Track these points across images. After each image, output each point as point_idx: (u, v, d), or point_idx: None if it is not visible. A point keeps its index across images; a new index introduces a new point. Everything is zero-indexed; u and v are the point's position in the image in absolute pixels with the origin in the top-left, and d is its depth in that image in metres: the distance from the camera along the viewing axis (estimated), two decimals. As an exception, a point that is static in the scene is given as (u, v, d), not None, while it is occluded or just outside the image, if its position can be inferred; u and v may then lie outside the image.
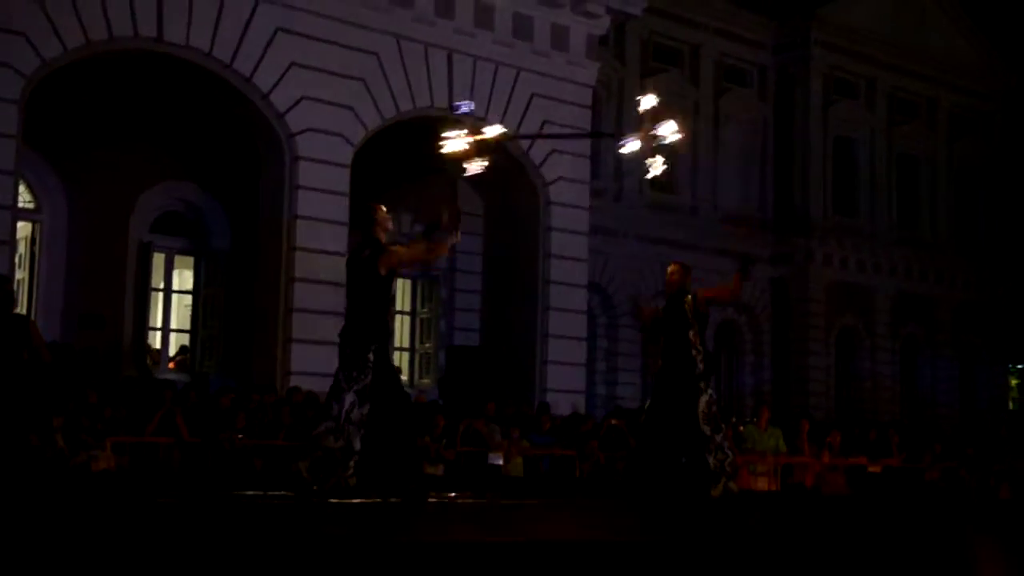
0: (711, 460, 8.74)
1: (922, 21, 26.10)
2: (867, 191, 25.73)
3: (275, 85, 15.17)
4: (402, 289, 18.54)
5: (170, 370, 16.53)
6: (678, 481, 9.00)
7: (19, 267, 15.27)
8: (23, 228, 15.34)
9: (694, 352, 8.90)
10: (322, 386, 14.59)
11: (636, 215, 22.24)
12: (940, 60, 26.44)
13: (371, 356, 7.27)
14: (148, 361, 16.36)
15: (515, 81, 17.18)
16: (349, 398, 7.16)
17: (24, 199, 15.34)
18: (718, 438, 8.84)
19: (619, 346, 22.24)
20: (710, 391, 8.94)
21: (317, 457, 7.14)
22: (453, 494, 7.49)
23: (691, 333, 8.93)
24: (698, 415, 8.78)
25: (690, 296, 9.06)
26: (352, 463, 7.12)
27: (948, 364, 26.61)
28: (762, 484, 14.16)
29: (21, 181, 14.56)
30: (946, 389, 26.62)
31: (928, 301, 26.37)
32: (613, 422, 15.47)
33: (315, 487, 7.04)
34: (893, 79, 26.05)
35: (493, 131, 7.83)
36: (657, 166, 7.81)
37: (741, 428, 15.24)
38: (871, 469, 15.51)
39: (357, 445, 7.13)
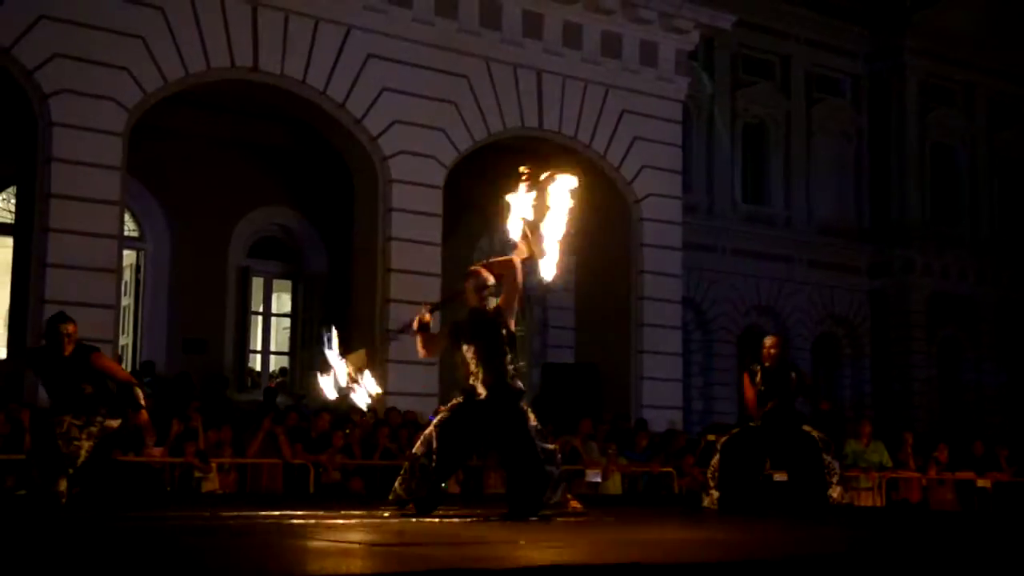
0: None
1: (1021, 23, 25.44)
2: (967, 198, 25.16)
3: (368, 110, 15.41)
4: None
5: (270, 392, 16.83)
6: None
7: (125, 294, 15.71)
8: (128, 256, 15.79)
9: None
10: (419, 406, 14.81)
11: (729, 229, 22.06)
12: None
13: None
14: (249, 383, 16.68)
15: (604, 98, 17.20)
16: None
17: (129, 228, 15.80)
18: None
19: (714, 361, 22.05)
20: None
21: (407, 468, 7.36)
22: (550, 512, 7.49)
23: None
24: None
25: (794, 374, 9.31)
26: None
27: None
28: (866, 500, 13.88)
29: (126, 210, 15.00)
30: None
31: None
32: (709, 437, 15.31)
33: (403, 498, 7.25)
34: (992, 83, 25.45)
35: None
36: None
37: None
38: (980, 483, 15.09)
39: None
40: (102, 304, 13.48)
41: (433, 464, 7.27)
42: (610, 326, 17.76)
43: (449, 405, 7.54)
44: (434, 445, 7.28)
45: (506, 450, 7.37)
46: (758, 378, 9.29)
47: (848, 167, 24.14)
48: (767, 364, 9.31)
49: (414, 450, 7.46)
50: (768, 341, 9.52)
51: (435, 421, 7.50)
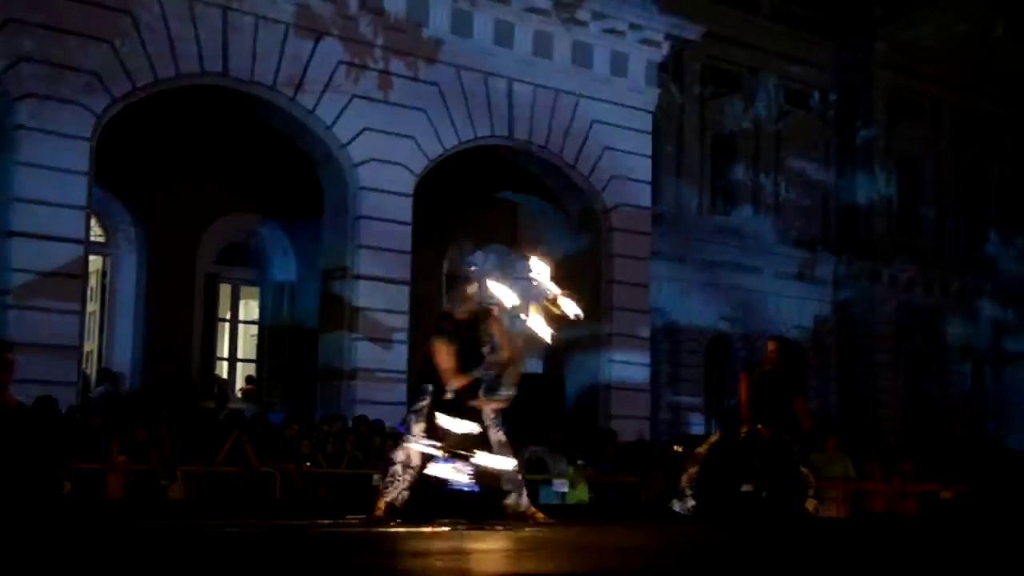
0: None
1: (988, 37, 25.75)
2: (933, 212, 25.40)
3: (337, 117, 15.37)
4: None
5: (237, 400, 16.74)
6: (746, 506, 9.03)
7: (91, 300, 15.58)
8: (95, 262, 15.67)
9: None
10: (386, 415, 14.77)
11: (698, 240, 22.15)
12: (1007, 77, 26.05)
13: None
14: (216, 390, 16.56)
15: (575, 109, 17.25)
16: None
17: (95, 233, 15.68)
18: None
19: (682, 372, 22.11)
20: None
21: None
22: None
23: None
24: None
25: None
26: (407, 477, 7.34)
27: (1020, 387, 26.07)
28: (831, 511, 13.95)
29: (92, 216, 14.88)
30: (1018, 414, 26.07)
31: (998, 323, 25.90)
32: (676, 448, 15.35)
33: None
34: (958, 98, 25.71)
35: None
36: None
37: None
38: (943, 495, 15.21)
39: (415, 461, 7.32)
40: (68, 310, 13.37)
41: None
42: (579, 336, 17.76)
43: None
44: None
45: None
46: (755, 378, 9.27)
47: (816, 180, 24.30)
48: (766, 368, 9.30)
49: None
50: (770, 344, 9.48)
51: None
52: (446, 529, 7.14)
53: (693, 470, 9.18)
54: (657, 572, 4.41)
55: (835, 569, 4.89)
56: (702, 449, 9.36)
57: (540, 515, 7.65)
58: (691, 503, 9.03)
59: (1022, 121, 26.82)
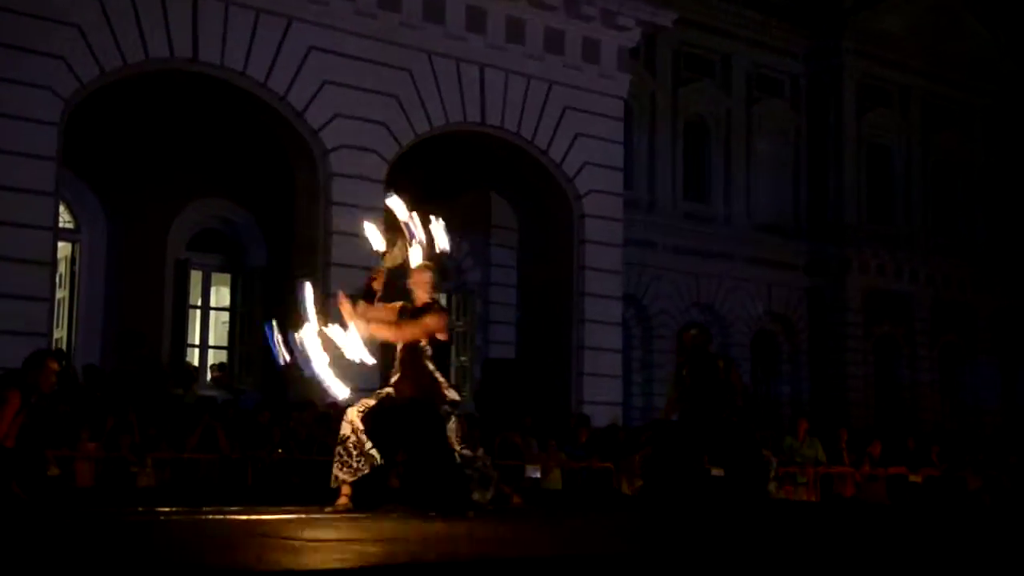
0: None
1: (956, 26, 25.91)
2: (903, 198, 25.57)
3: (309, 103, 15.29)
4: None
5: (208, 387, 16.67)
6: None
7: (60, 287, 15.46)
8: (63, 248, 15.53)
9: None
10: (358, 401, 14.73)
11: (670, 225, 22.21)
12: (975, 65, 26.24)
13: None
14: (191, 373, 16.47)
15: (547, 94, 17.23)
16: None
17: (64, 219, 15.55)
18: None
19: (655, 357, 22.19)
20: None
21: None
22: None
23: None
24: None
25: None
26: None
27: (989, 371, 26.34)
28: (802, 495, 14.06)
29: (61, 202, 14.75)
30: (987, 397, 26.35)
31: (967, 307, 26.14)
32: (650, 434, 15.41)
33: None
34: (927, 85, 25.87)
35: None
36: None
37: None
38: (912, 479, 15.36)
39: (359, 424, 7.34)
40: (36, 297, 13.26)
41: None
42: (551, 322, 17.80)
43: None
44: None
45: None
46: (684, 372, 9.23)
47: (787, 166, 24.41)
48: (692, 356, 9.28)
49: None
50: (690, 332, 9.44)
51: None
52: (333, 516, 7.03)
53: (646, 450, 9.22)
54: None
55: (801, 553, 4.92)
56: (656, 430, 9.39)
57: (518, 498, 7.65)
58: (638, 483, 9.07)
59: (990, 108, 27.04)
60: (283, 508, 7.47)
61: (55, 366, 8.11)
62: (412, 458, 7.47)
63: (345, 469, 7.30)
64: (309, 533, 5.61)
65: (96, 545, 4.78)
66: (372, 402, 7.46)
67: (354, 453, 7.28)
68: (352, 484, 7.27)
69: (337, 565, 4.28)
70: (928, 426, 23.39)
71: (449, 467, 7.13)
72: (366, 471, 7.22)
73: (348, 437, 7.34)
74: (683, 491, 8.95)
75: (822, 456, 14.75)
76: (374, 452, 7.24)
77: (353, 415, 7.38)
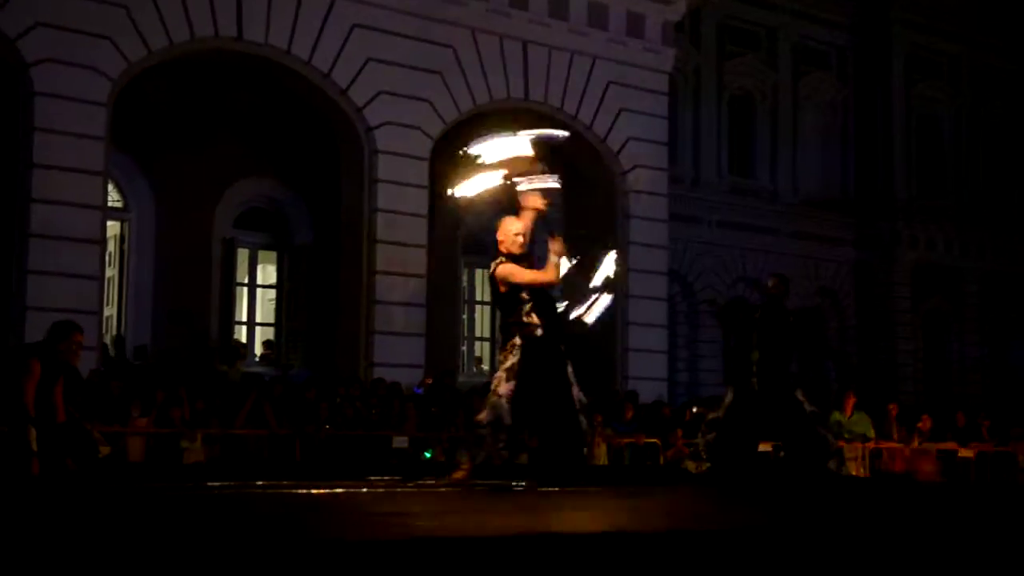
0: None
1: (1007, -5, 25.44)
2: (953, 170, 25.21)
3: (353, 80, 15.33)
4: (482, 278, 18.63)
5: (256, 363, 16.83)
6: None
7: (109, 265, 15.64)
8: (112, 227, 15.71)
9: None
10: (404, 377, 14.82)
11: (715, 201, 22.07)
12: (1026, 34, 25.78)
13: (517, 340, 7.69)
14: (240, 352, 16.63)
15: (591, 70, 17.13)
16: (498, 374, 7.51)
17: (113, 199, 15.71)
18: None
19: (700, 332, 22.11)
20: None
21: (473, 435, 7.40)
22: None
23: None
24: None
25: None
26: (503, 437, 7.25)
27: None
28: (850, 470, 13.95)
29: (110, 181, 14.91)
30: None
31: (1018, 281, 25.77)
32: (694, 410, 15.37)
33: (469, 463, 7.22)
34: (977, 56, 25.45)
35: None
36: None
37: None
38: (962, 454, 15.19)
39: (507, 420, 7.24)
40: (86, 275, 13.43)
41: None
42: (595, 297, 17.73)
43: None
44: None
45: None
46: (756, 316, 9.18)
47: (834, 139, 24.15)
48: (767, 305, 9.21)
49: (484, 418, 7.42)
50: (770, 281, 9.42)
51: None
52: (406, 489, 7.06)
53: (711, 435, 9.15)
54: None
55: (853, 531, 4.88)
56: (718, 413, 9.31)
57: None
58: (707, 465, 9.03)
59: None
60: (353, 482, 7.52)
61: (80, 337, 7.96)
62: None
63: (475, 451, 7.29)
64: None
65: (207, 520, 4.83)
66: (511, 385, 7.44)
67: (488, 443, 7.25)
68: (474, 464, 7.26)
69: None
70: (977, 401, 23.12)
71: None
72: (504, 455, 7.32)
73: (486, 425, 7.34)
74: (750, 473, 8.91)
75: (870, 432, 14.62)
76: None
77: (504, 408, 7.34)
